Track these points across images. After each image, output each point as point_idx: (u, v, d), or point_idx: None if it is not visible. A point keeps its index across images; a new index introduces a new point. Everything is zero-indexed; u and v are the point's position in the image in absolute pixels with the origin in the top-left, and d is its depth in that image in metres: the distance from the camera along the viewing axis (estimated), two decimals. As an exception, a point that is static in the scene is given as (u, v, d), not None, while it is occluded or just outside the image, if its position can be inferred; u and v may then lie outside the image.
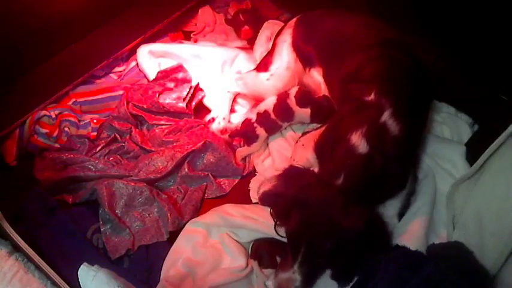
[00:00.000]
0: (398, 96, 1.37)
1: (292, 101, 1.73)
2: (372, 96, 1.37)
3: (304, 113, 1.73)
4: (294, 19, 1.80)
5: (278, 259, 1.46)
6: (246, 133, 1.77)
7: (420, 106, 1.49)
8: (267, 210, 1.52)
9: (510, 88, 1.59)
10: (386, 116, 1.33)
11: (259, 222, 1.49)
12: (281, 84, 1.78)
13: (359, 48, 1.51)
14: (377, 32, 1.54)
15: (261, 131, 1.75)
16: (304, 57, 1.73)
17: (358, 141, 1.30)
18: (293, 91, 1.74)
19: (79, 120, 1.88)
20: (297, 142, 1.69)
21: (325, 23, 1.67)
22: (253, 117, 1.75)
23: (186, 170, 1.72)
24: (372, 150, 1.30)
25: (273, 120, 1.74)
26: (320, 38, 1.66)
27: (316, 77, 1.74)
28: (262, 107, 1.76)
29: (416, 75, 1.48)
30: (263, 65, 1.82)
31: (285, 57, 1.76)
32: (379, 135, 1.32)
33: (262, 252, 1.47)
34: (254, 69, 1.86)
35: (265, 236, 1.49)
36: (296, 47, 1.74)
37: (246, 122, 1.77)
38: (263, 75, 1.80)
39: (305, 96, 1.72)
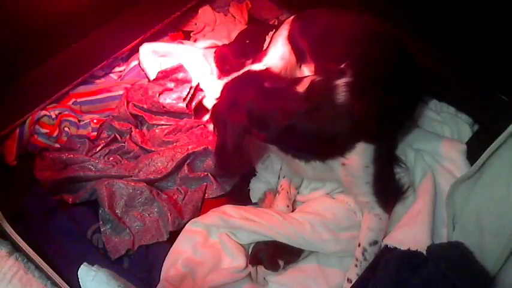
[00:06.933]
0: (366, 73, 1.36)
1: None
2: (343, 66, 1.38)
3: None
4: (292, 17, 1.80)
5: (280, 262, 1.46)
6: None
7: (401, 97, 1.47)
8: (267, 212, 1.53)
9: (510, 88, 1.59)
10: (340, 82, 1.32)
11: (259, 224, 1.48)
12: None
13: (347, 39, 1.53)
14: (367, 27, 1.57)
15: None
16: (299, 50, 1.73)
17: (305, 84, 1.34)
18: None
19: (79, 120, 1.87)
20: None
21: (320, 19, 1.68)
22: None
23: (186, 171, 1.72)
24: (307, 95, 1.32)
25: None
26: (314, 33, 1.67)
27: (306, 74, 1.73)
28: None
29: (399, 64, 1.49)
30: (257, 58, 1.80)
31: (279, 49, 1.75)
32: (322, 92, 1.32)
33: (262, 255, 1.47)
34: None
35: (265, 238, 1.48)
36: (292, 39, 1.74)
37: None
38: (256, 67, 1.79)
39: None
